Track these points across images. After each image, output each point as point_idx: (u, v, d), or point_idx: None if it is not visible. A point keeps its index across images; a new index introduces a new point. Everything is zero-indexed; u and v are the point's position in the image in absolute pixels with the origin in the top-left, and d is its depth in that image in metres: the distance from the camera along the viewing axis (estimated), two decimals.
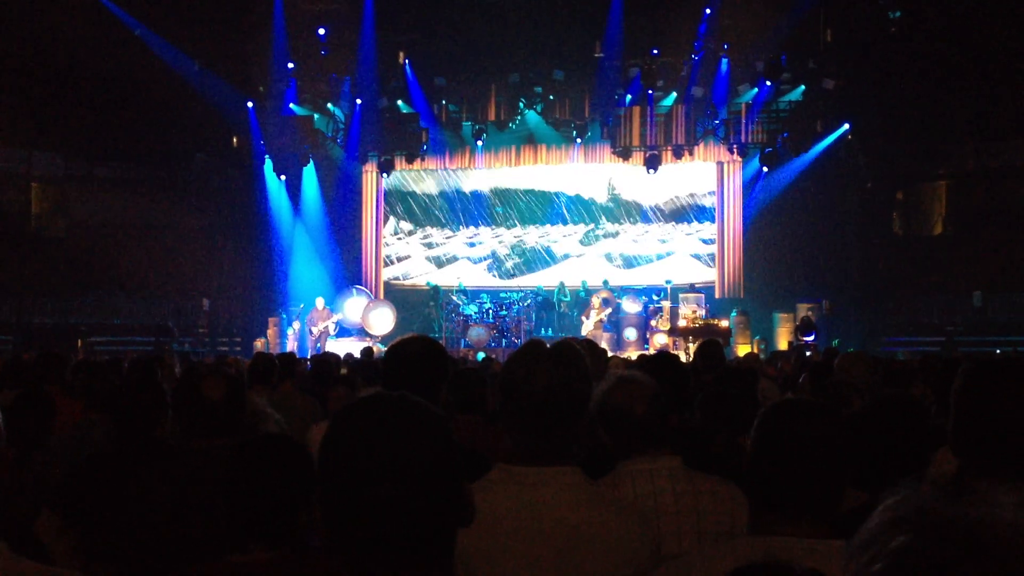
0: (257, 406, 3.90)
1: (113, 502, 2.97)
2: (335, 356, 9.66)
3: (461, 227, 23.29)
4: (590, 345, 5.79)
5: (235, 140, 21.88)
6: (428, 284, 22.07)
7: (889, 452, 2.52)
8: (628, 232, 22.55)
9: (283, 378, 6.55)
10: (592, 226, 22.69)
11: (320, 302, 19.80)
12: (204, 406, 3.06)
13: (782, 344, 18.51)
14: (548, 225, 22.89)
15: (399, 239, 23.56)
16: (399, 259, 23.51)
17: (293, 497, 2.25)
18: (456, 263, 23.09)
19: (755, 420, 2.07)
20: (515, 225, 23.06)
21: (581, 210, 22.73)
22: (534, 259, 22.86)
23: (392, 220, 23.55)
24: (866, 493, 2.56)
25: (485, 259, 23.11)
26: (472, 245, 23.23)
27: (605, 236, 22.64)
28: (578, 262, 22.54)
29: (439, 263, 23.24)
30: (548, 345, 2.31)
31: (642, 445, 2.73)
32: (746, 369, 6.01)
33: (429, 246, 23.45)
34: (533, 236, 22.96)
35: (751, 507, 2.07)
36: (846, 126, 20.07)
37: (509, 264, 23.01)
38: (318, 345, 18.85)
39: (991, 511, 0.81)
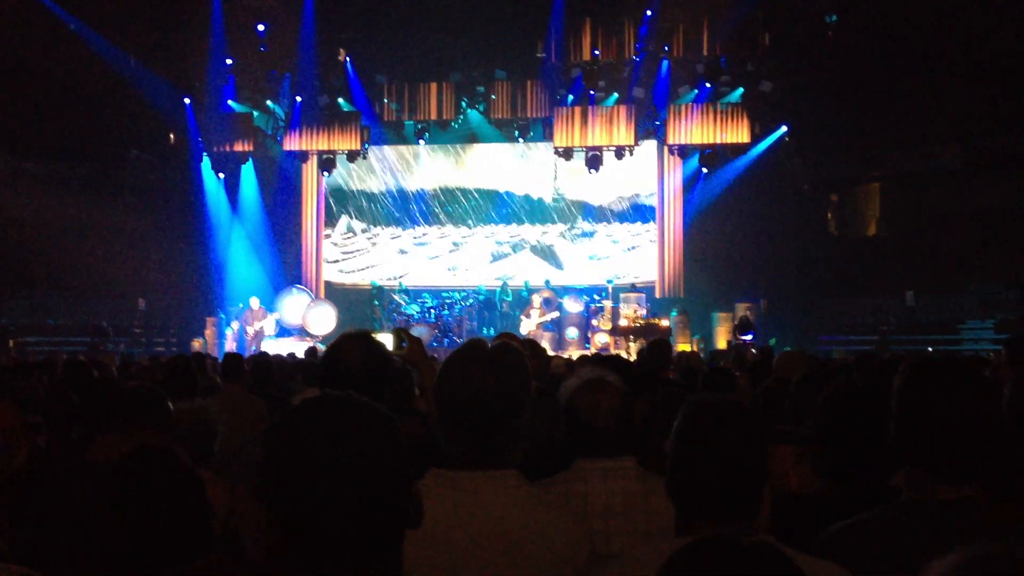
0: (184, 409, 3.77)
1: (48, 507, 2.89)
2: (278, 357, 9.53)
3: (404, 226, 23.12)
4: (531, 344, 5.81)
5: (172, 137, 21.51)
6: (371, 284, 21.91)
7: (857, 439, 2.53)
8: (570, 231, 22.61)
9: (232, 380, 6.47)
10: (534, 225, 22.71)
11: (255, 302, 19.52)
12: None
13: (721, 343, 18.73)
14: (491, 224, 22.85)
15: (343, 239, 23.33)
16: (343, 257, 23.28)
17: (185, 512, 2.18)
18: (399, 262, 22.92)
19: (674, 421, 2.02)
20: (457, 224, 22.98)
21: (524, 209, 22.73)
22: (477, 258, 22.79)
23: (344, 219, 23.31)
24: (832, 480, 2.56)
25: (428, 259, 22.98)
26: (421, 244, 23.05)
27: (548, 235, 22.67)
28: (520, 261, 22.54)
29: (381, 263, 23.05)
30: (488, 345, 2.26)
31: (605, 448, 2.71)
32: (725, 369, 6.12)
33: (373, 245, 23.26)
34: (476, 235, 22.91)
35: (675, 509, 2.01)
36: (784, 128, 20.38)
37: (451, 264, 22.91)
38: (253, 346, 18.62)
39: None
